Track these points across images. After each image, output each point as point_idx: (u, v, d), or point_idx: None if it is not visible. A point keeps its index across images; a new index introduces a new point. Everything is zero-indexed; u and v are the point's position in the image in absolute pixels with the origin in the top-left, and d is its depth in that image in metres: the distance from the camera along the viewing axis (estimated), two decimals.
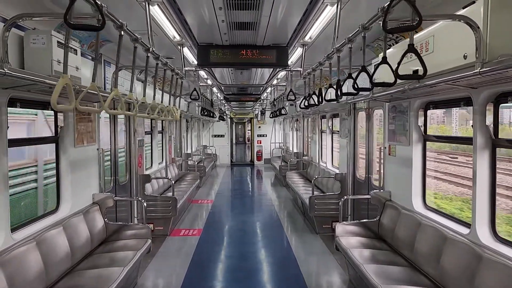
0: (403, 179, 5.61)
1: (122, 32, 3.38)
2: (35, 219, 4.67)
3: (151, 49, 4.24)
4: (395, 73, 2.36)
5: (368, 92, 5.39)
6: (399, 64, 2.40)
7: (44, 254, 4.16)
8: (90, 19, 2.78)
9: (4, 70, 2.86)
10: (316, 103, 5.15)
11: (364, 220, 6.14)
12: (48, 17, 3.55)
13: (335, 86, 4.09)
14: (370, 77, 2.83)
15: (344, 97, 4.76)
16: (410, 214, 5.18)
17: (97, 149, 6.05)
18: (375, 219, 5.98)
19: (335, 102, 4.37)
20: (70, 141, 5.21)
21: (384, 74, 3.00)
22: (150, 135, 10.17)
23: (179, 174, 12.73)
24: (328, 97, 4.89)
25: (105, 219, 5.82)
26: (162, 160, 11.06)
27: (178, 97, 7.19)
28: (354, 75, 3.51)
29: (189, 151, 15.78)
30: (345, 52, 4.10)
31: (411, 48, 2.31)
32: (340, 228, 5.93)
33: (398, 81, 2.80)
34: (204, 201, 11.97)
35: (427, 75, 3.80)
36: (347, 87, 3.65)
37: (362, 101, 7.09)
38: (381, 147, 6.48)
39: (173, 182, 8.72)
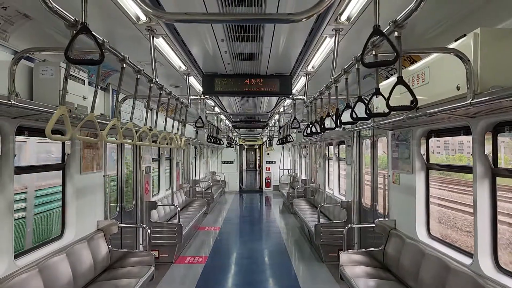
0: (407, 207, 5.59)
1: (125, 65, 3.52)
2: (39, 245, 4.73)
3: (154, 79, 4.38)
4: (387, 104, 2.43)
5: (369, 121, 5.45)
6: (389, 96, 2.47)
7: (46, 281, 4.20)
8: (94, 52, 2.92)
9: (11, 101, 3.00)
10: (318, 131, 5.21)
11: (370, 249, 6.07)
12: (55, 51, 3.72)
13: (334, 115, 4.16)
14: (366, 107, 2.90)
15: (348, 125, 4.83)
16: (414, 243, 5.13)
17: (103, 175, 6.16)
18: (380, 248, 5.92)
19: (339, 129, 4.44)
20: (77, 168, 5.32)
21: (383, 104, 3.06)
22: (157, 161, 10.28)
23: (186, 201, 12.76)
24: (330, 125, 4.95)
25: (109, 246, 5.86)
26: (169, 187, 11.13)
27: (184, 125, 7.32)
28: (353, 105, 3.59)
29: (197, 178, 15.84)
30: (346, 81, 4.20)
31: (400, 81, 2.38)
32: (345, 257, 5.87)
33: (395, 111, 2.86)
34: (211, 228, 11.93)
35: (425, 104, 3.89)
36: (350, 115, 3.72)
37: (367, 129, 7.14)
38: (385, 175, 6.48)
39: (179, 209, 8.75)
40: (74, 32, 2.33)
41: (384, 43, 2.49)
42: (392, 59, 2.14)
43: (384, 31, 2.46)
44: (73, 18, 2.39)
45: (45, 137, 4.75)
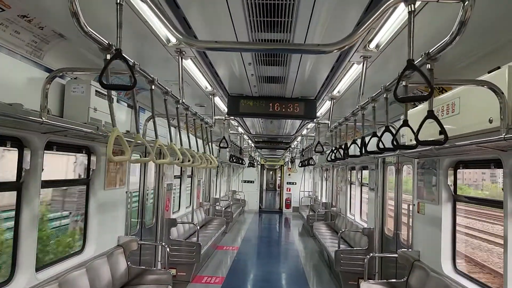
0: (432, 239, 5.40)
1: (153, 86, 3.57)
2: (60, 259, 4.77)
3: (180, 100, 4.42)
4: (416, 138, 2.36)
5: None
6: (419, 129, 2.40)
7: None
8: (124, 73, 2.97)
9: (42, 119, 3.06)
10: (341, 157, 5.13)
11: (392, 280, 5.88)
12: (87, 72, 3.82)
13: (359, 142, 4.09)
14: (393, 138, 2.83)
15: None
16: (439, 277, 4.93)
17: (126, 192, 6.21)
18: (402, 280, 5.72)
19: (359, 157, 4.37)
20: (100, 183, 5.38)
21: (410, 132, 2.97)
22: (179, 179, 10.33)
23: (205, 219, 12.74)
24: (354, 152, 4.87)
25: (128, 262, 5.86)
26: (190, 204, 11.15)
27: (208, 144, 7.35)
28: (380, 133, 3.52)
29: (217, 196, 15.83)
30: (373, 109, 4.14)
31: (431, 114, 2.31)
32: (365, 287, 5.69)
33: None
34: (229, 248, 11.84)
35: (454, 136, 3.78)
36: (376, 144, 3.65)
37: (391, 156, 7.00)
38: (409, 204, 6.30)
39: (198, 227, 8.73)
40: (108, 56, 2.38)
41: (415, 73, 2.44)
42: (427, 94, 2.09)
43: (415, 62, 2.41)
44: (107, 42, 2.43)
45: (74, 151, 4.86)
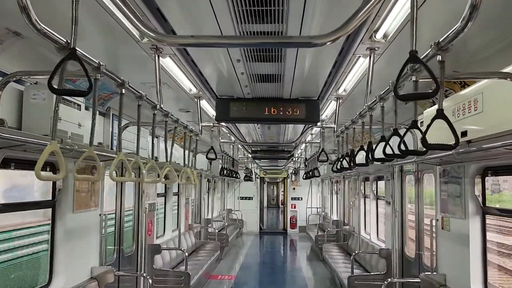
0: (459, 259, 5.39)
1: (124, 90, 3.58)
2: None
3: (158, 105, 4.43)
4: (423, 141, 2.35)
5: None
6: (426, 131, 2.40)
7: None
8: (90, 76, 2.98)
9: None
10: (347, 166, 5.14)
11: None
12: (47, 75, 3.82)
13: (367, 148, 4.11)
14: (400, 142, 2.84)
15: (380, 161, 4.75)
16: None
17: (100, 214, 6.19)
18: None
19: (373, 164, 4.37)
20: (69, 205, 5.37)
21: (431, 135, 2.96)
22: (163, 197, 10.31)
23: (196, 244, 12.70)
24: (363, 160, 4.88)
25: None
26: (177, 227, 11.12)
27: (194, 155, 7.36)
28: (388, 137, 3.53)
29: (209, 216, 15.81)
30: (382, 109, 4.15)
31: (440, 114, 2.31)
32: None
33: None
34: (225, 277, 11.80)
35: (479, 137, 3.79)
36: (382, 150, 3.66)
37: (409, 163, 7.01)
38: (432, 219, 6.30)
39: (186, 254, 8.70)
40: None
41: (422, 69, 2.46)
42: (432, 91, 2.09)
43: (425, 54, 2.43)
44: (65, 40, 2.45)
45: (33, 169, 4.85)
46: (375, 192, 10.52)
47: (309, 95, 6.33)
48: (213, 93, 6.24)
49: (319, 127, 7.77)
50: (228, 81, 5.57)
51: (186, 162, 6.37)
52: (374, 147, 3.91)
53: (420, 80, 2.66)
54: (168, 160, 5.23)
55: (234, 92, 6.14)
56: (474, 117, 3.77)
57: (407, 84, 3.05)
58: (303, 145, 13.09)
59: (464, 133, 3.94)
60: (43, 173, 2.68)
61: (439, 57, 2.35)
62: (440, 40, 2.31)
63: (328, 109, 7.54)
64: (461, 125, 3.96)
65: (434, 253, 6.20)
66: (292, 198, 22.66)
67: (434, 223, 6.21)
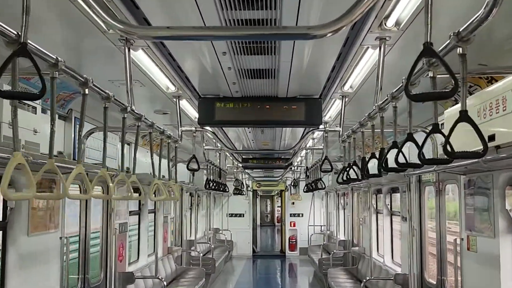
0: (489, 285, 5.42)
1: (87, 90, 3.58)
2: None
3: (129, 107, 4.42)
4: (445, 149, 2.37)
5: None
6: (449, 136, 2.40)
7: None
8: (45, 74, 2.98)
9: None
10: (358, 177, 5.16)
11: None
12: None
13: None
14: (420, 151, 2.83)
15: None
16: None
17: (60, 237, 6.16)
18: None
19: (379, 176, 4.39)
20: (23, 227, 5.33)
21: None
22: (137, 215, 10.27)
23: (177, 271, 12.66)
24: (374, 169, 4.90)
25: None
26: (154, 251, 11.08)
27: (174, 165, 7.35)
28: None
29: (192, 238, 15.76)
30: (394, 110, 4.18)
31: (464, 116, 2.32)
32: None
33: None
34: None
35: (508, 142, 3.82)
36: (394, 158, 3.67)
37: (429, 173, 7.04)
38: (456, 238, 6.33)
39: (165, 283, 8.69)
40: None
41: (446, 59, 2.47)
42: (449, 90, 2.11)
43: (443, 47, 2.44)
44: (15, 33, 2.44)
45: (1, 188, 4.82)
46: (389, 206, 10.55)
47: (309, 93, 6.35)
48: (195, 92, 6.25)
49: (321, 130, 7.79)
50: (212, 78, 5.58)
51: (162, 174, 6.36)
52: (386, 153, 3.92)
53: (439, 76, 2.68)
54: (134, 171, 5.20)
55: (220, 91, 6.15)
56: (503, 118, 3.80)
57: (424, 80, 3.07)
58: (303, 151, 13.09)
59: (491, 137, 3.96)
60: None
61: (459, 50, 2.37)
62: (460, 30, 2.33)
63: (332, 110, 7.57)
64: (488, 128, 3.99)
65: (459, 278, 6.23)
66: (291, 215, 22.65)
67: (458, 243, 6.24)
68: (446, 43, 2.48)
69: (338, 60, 5.02)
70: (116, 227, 7.88)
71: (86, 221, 7.20)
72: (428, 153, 6.04)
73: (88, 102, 3.84)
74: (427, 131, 3.12)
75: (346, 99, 6.49)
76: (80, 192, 6.38)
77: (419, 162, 2.94)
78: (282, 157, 13.93)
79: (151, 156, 6.12)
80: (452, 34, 2.39)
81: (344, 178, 5.95)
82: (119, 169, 4.95)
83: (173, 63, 5.05)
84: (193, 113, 7.63)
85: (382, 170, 3.95)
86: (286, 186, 22.78)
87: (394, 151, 3.44)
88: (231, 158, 14.69)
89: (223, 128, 8.92)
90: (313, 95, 6.43)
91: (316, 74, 5.67)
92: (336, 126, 6.92)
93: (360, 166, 5.18)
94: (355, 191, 13.80)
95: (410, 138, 3.15)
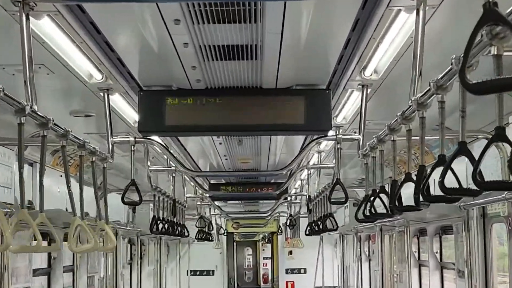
0: None
1: None
2: None
3: (28, 108, 4.37)
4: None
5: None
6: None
7: None
8: None
9: None
10: (388, 211, 5.17)
11: None
12: None
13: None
14: (475, 170, 2.82)
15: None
16: None
17: None
18: None
19: (418, 209, 4.40)
20: None
21: None
22: (46, 276, 10.22)
23: None
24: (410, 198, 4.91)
25: None
26: None
27: (103, 196, 7.29)
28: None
29: None
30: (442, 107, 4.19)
31: None
32: None
33: None
34: None
35: None
36: (439, 183, 3.69)
37: (497, 202, 7.08)
38: None
39: None
40: None
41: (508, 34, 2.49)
42: None
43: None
44: None
45: None
46: (437, 255, 10.60)
47: (311, 82, 6.36)
48: (133, 82, 6.23)
49: (331, 139, 7.74)
50: (160, 60, 5.58)
51: (87, 210, 6.31)
52: (429, 174, 3.91)
53: (506, 53, 2.69)
54: (42, 207, 5.16)
55: (172, 80, 6.15)
56: None
57: (485, 61, 3.08)
58: (304, 172, 13.11)
59: None
60: None
61: None
62: None
63: (347, 107, 7.59)
64: None
65: None
66: (287, 271, 22.68)
67: None
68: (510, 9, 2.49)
69: (355, 31, 5.03)
70: None
71: None
72: (493, 172, 6.06)
73: None
74: (489, 137, 3.12)
75: (369, 90, 6.47)
76: None
77: (476, 188, 2.94)
78: (272, 181, 13.95)
79: (67, 182, 6.05)
80: None
81: (367, 212, 5.94)
82: (17, 204, 4.91)
83: (98, 37, 5.03)
84: (131, 115, 7.61)
85: (422, 200, 3.94)
86: (279, 227, 22.80)
87: (441, 169, 3.45)
88: (192, 184, 14.63)
89: (179, 138, 8.90)
90: (318, 84, 6.44)
91: (322, 53, 5.68)
92: (354, 133, 6.93)
93: (390, 194, 5.18)
94: (385, 233, 13.85)
95: (463, 149, 3.14)
